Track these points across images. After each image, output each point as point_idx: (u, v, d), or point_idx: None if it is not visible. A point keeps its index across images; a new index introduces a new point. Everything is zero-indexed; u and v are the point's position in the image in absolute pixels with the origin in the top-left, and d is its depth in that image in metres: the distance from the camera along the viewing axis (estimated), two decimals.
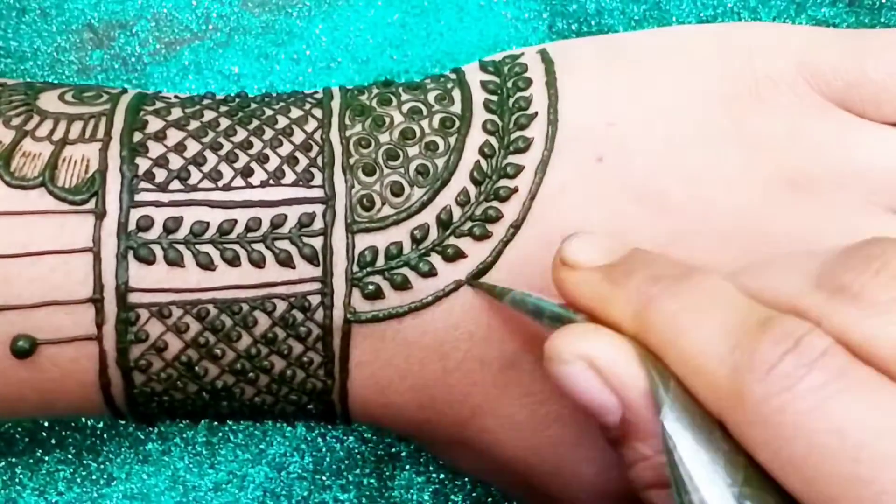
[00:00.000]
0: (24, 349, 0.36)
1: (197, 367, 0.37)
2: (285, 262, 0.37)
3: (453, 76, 0.40)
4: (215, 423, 0.45)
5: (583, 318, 0.32)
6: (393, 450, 0.46)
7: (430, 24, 0.45)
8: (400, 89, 0.39)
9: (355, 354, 0.37)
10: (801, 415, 0.28)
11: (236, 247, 0.37)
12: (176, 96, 0.39)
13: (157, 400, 0.38)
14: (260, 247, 0.37)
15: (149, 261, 0.36)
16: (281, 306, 0.37)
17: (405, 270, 0.37)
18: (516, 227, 0.37)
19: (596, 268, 0.33)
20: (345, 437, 0.45)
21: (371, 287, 0.37)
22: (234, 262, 0.36)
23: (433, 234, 0.37)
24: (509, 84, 0.39)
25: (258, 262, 0.37)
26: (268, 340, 0.37)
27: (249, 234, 0.37)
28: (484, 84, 0.39)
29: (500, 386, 0.38)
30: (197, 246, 0.36)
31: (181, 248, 0.36)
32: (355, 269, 0.37)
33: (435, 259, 0.37)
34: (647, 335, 0.31)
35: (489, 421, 0.38)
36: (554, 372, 0.31)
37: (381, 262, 0.37)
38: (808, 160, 0.38)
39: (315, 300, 0.37)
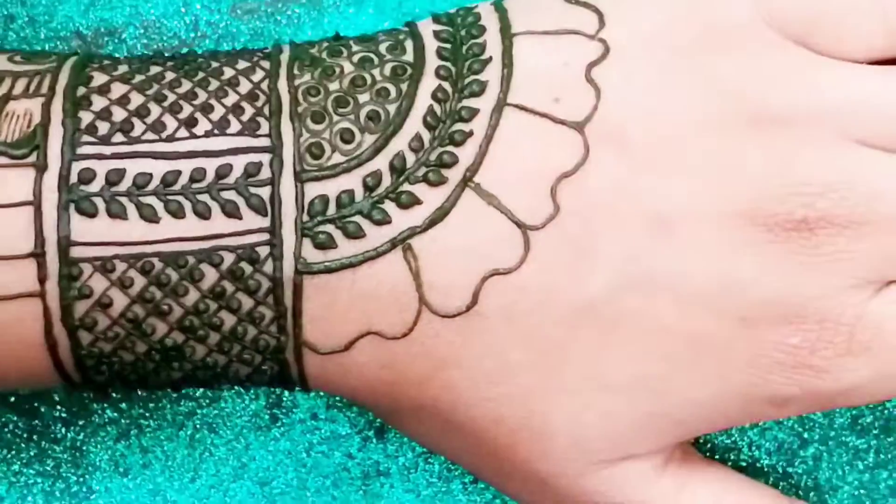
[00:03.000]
0: None
1: (144, 325, 0.36)
2: (231, 212, 0.35)
3: (405, 28, 0.39)
4: (195, 435, 0.44)
5: None
6: (381, 466, 0.44)
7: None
8: (350, 41, 0.38)
9: (308, 308, 0.36)
10: None
11: (181, 198, 0.36)
12: (125, 58, 0.39)
13: (107, 362, 0.37)
14: (205, 197, 0.36)
15: (91, 213, 0.35)
16: (228, 258, 0.35)
17: (358, 218, 0.36)
18: (473, 170, 0.36)
19: None
20: (331, 452, 0.44)
21: (322, 236, 0.35)
22: (178, 213, 0.35)
23: (386, 180, 0.36)
24: (462, 32, 0.38)
25: (203, 214, 0.35)
26: (216, 295, 0.36)
27: (194, 185, 0.36)
28: (437, 33, 0.38)
29: (464, 334, 0.36)
30: (140, 198, 0.36)
31: (124, 200, 0.35)
32: (305, 218, 0.36)
33: (388, 206, 0.36)
34: None
35: (453, 373, 0.37)
36: None
37: (332, 210, 0.36)
38: (773, 98, 0.36)
39: (264, 251, 0.35)
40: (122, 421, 0.44)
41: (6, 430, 0.44)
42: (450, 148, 0.36)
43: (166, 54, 0.39)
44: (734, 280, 0.36)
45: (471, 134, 0.36)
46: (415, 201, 0.36)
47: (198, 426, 0.44)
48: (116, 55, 0.39)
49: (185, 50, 0.44)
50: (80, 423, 0.44)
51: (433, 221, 0.36)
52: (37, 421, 0.44)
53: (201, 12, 0.44)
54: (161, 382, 0.38)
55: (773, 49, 0.37)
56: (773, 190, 0.36)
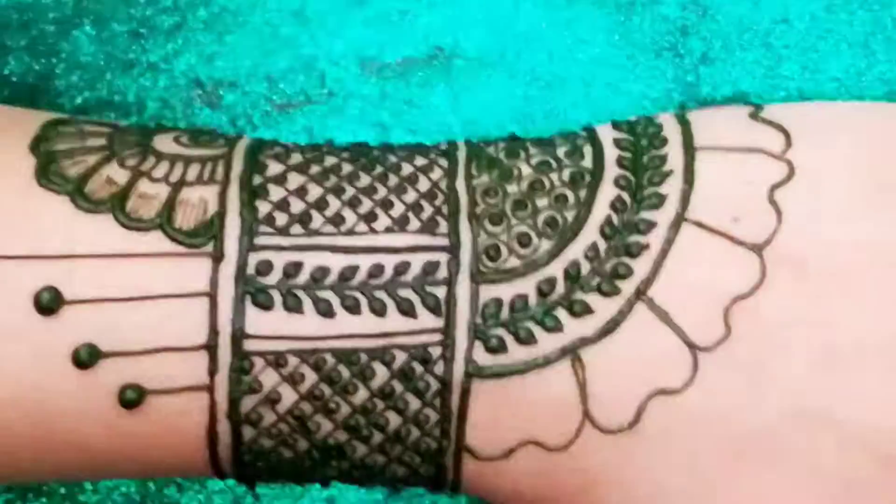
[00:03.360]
0: (132, 399, 0.35)
1: (310, 422, 0.35)
2: (407, 311, 0.35)
3: (584, 133, 0.38)
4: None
5: None
6: None
7: (555, 98, 0.44)
8: (528, 143, 0.38)
9: (474, 413, 0.35)
10: None
11: (357, 294, 0.35)
12: (295, 144, 0.38)
13: (265, 459, 0.36)
14: (382, 294, 0.35)
15: (267, 306, 0.35)
16: (401, 357, 0.35)
17: (530, 324, 0.35)
18: (646, 284, 0.35)
19: None
20: None
21: (494, 340, 0.35)
22: (354, 309, 0.35)
23: (560, 288, 0.35)
24: (643, 142, 0.37)
25: (379, 311, 0.35)
26: (385, 394, 0.35)
27: (371, 281, 0.35)
28: (617, 141, 0.37)
29: (624, 453, 0.36)
30: (317, 292, 0.35)
31: (300, 293, 0.35)
32: (478, 320, 0.35)
33: (561, 314, 0.35)
34: None
35: (608, 492, 0.36)
36: None
37: (505, 314, 0.35)
38: None
39: (436, 352, 0.35)
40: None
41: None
42: (625, 259, 0.35)
43: (337, 144, 0.38)
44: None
45: (646, 247, 0.35)
46: (587, 310, 0.35)
47: None
48: (285, 143, 0.38)
49: (309, 107, 0.43)
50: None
51: (604, 332, 0.35)
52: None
53: (329, 68, 0.43)
54: (314, 478, 0.37)
55: None
56: None
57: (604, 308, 0.35)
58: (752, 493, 0.35)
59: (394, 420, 0.35)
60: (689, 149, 0.37)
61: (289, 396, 0.35)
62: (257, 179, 0.36)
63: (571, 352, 0.35)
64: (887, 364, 0.35)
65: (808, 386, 0.35)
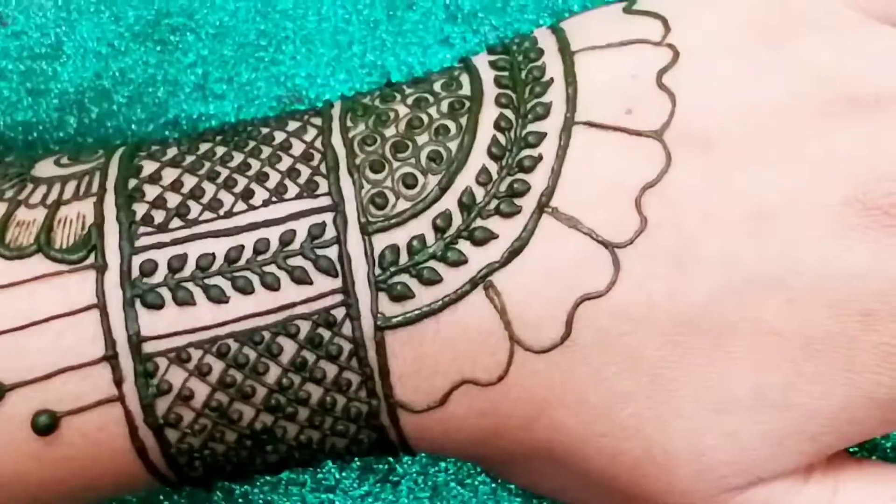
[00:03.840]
0: (46, 425, 0.34)
1: (230, 412, 0.34)
2: (301, 278, 0.34)
3: (460, 64, 0.37)
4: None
5: None
6: None
7: None
8: (403, 85, 0.37)
9: (396, 366, 0.34)
10: None
11: (247, 273, 0.34)
12: (173, 139, 0.37)
13: (199, 457, 0.35)
14: (272, 268, 0.34)
15: (158, 305, 0.34)
16: (305, 327, 0.34)
17: (432, 263, 0.34)
18: (548, 195, 0.34)
19: None
20: None
21: (398, 287, 0.34)
22: (246, 289, 0.34)
23: (457, 219, 0.34)
24: (520, 58, 0.36)
25: (272, 285, 0.34)
26: (298, 367, 0.34)
27: (259, 258, 0.34)
28: (493, 63, 0.36)
29: (563, 369, 0.34)
30: (206, 280, 0.34)
31: (189, 285, 0.34)
32: (377, 271, 0.34)
33: (463, 245, 0.34)
34: None
35: (559, 412, 0.35)
36: None
37: (404, 259, 0.34)
38: (861, 78, 0.34)
39: (340, 313, 0.34)
40: None
41: None
42: (519, 175, 0.34)
43: (213, 128, 0.38)
44: (850, 272, 0.33)
45: (540, 158, 0.34)
46: (490, 236, 0.34)
47: None
48: (166, 140, 0.38)
49: None
50: None
51: (512, 254, 0.34)
52: None
53: None
54: (258, 469, 0.36)
55: (857, 28, 0.35)
56: (880, 172, 0.33)
57: (507, 230, 0.34)
58: (706, 378, 0.34)
59: (315, 391, 0.34)
60: (567, 53, 0.36)
61: (201, 390, 0.34)
62: (132, 182, 0.35)
63: (482, 280, 0.34)
64: (819, 215, 0.34)
65: (741, 253, 0.34)
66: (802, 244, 0.33)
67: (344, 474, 0.42)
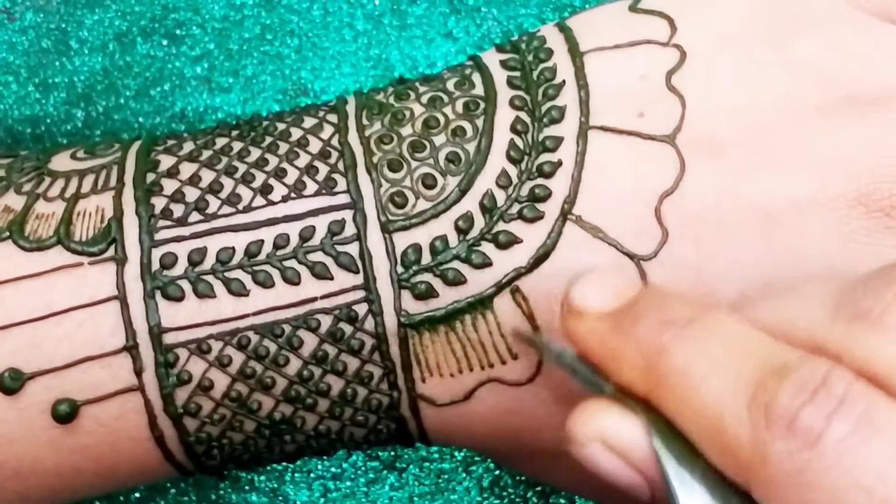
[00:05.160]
0: (66, 413, 0.34)
1: (249, 402, 0.35)
2: (322, 273, 0.34)
3: (470, 62, 0.37)
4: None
5: (611, 387, 0.30)
6: None
7: None
8: (416, 83, 0.37)
9: (419, 361, 0.35)
10: (824, 473, 0.25)
11: (267, 267, 0.35)
12: (188, 134, 0.38)
13: (217, 446, 0.36)
14: (292, 263, 0.34)
15: (178, 297, 0.34)
16: (326, 321, 0.34)
17: (456, 264, 0.34)
18: (570, 202, 0.34)
19: (604, 315, 0.30)
20: None
21: (422, 286, 0.34)
22: (266, 283, 0.34)
23: (479, 222, 0.34)
24: (530, 57, 0.36)
25: (293, 279, 0.34)
26: (319, 359, 0.35)
27: (279, 252, 0.35)
28: (503, 63, 0.37)
29: None
30: (226, 273, 0.34)
31: (209, 278, 0.34)
32: (400, 269, 0.34)
33: (487, 248, 0.34)
34: (660, 395, 0.28)
35: None
36: (576, 455, 0.29)
37: (427, 258, 0.34)
38: (861, 76, 0.35)
39: (362, 309, 0.34)
40: None
41: None
42: (540, 181, 0.35)
43: (228, 123, 0.38)
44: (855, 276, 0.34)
45: (559, 164, 0.35)
46: (514, 240, 0.34)
47: None
48: (181, 134, 0.38)
49: None
50: None
51: (538, 260, 0.34)
52: None
53: None
54: (275, 458, 0.37)
55: (859, 27, 0.35)
56: (880, 173, 0.34)
57: (531, 235, 0.34)
58: None
59: (336, 383, 0.35)
60: (577, 55, 0.36)
61: (221, 380, 0.35)
62: (150, 177, 0.36)
63: (508, 284, 0.34)
64: (824, 214, 0.34)
65: (757, 261, 0.34)
66: (810, 250, 0.34)
67: (349, 462, 0.43)
